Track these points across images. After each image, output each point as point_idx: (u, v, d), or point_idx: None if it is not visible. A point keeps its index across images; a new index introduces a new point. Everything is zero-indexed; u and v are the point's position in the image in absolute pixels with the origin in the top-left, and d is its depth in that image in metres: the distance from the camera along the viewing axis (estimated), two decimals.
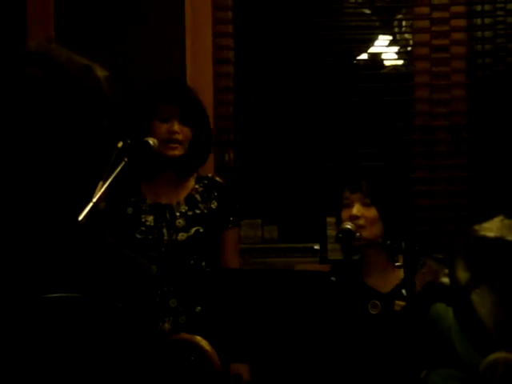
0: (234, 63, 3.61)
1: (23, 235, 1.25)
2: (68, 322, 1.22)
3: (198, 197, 2.86)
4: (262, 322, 2.24)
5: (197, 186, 2.88)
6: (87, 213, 1.84)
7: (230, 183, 3.10)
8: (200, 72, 3.47)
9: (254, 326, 2.25)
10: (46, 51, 1.27)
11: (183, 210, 2.83)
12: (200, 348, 2.07)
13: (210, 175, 2.95)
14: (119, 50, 3.46)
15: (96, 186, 1.65)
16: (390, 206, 2.60)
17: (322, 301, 2.24)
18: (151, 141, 2.69)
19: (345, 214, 2.61)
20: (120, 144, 2.47)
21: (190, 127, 2.80)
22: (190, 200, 2.85)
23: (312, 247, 3.46)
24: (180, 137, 2.78)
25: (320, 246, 3.45)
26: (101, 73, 1.30)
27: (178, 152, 2.79)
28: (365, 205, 2.59)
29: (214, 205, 2.86)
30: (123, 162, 2.44)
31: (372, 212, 2.59)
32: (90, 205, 1.98)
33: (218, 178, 2.94)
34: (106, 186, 2.29)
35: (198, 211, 2.83)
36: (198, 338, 2.10)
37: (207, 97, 3.29)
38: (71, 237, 1.29)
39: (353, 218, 2.57)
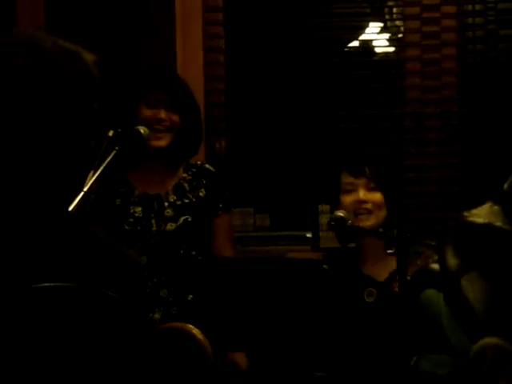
0: (225, 51, 3.60)
1: (13, 225, 1.25)
2: (60, 311, 1.22)
3: (186, 186, 2.84)
4: (255, 310, 2.24)
5: (185, 175, 2.86)
6: (78, 202, 1.84)
7: (220, 171, 3.09)
8: (191, 60, 3.46)
9: (247, 315, 2.25)
10: (32, 39, 1.26)
11: (171, 200, 2.81)
12: (192, 336, 2.07)
13: (199, 163, 2.93)
14: (109, 38, 3.44)
15: (87, 174, 1.65)
16: (393, 190, 2.62)
17: (314, 288, 2.25)
18: (142, 129, 2.68)
19: (348, 199, 2.60)
20: (111, 133, 2.46)
21: (178, 114, 2.78)
22: (178, 189, 2.83)
23: (304, 235, 3.45)
24: (167, 124, 2.76)
25: (312, 234, 3.45)
26: (89, 57, 1.29)
27: (163, 142, 2.76)
28: (370, 189, 2.60)
29: (202, 193, 2.84)
30: (114, 151, 2.43)
31: (378, 196, 2.59)
32: (81, 194, 1.97)
33: (207, 166, 2.91)
34: (96, 175, 2.29)
35: (186, 200, 2.82)
36: (190, 327, 2.10)
37: (198, 85, 3.29)
38: (61, 227, 1.29)
39: (360, 203, 2.57)
